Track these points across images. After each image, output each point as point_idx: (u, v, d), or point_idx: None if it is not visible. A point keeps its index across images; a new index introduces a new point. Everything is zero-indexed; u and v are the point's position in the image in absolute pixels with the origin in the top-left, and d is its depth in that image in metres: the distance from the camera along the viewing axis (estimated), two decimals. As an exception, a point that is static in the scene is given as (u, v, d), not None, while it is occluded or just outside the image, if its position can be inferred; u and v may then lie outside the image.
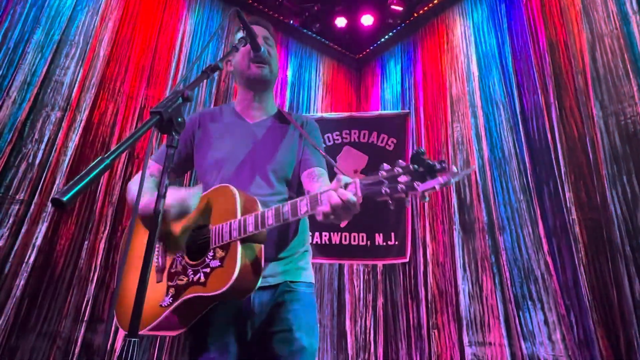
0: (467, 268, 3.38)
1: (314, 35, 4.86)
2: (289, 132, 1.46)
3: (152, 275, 1.25)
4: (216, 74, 3.98)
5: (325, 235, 3.94)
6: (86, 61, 3.26)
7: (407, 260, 3.50)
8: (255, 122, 1.47)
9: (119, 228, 3.12)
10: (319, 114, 4.55)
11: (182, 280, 1.17)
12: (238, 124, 1.46)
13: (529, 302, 2.92)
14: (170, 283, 1.20)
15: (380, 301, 3.97)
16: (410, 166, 0.88)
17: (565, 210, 2.84)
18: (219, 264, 1.12)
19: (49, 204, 2.85)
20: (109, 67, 3.38)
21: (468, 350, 3.17)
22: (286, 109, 4.41)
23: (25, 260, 2.72)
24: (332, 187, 0.99)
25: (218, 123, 1.48)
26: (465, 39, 4.03)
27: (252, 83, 1.46)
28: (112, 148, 0.63)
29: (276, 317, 1.25)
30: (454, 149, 3.80)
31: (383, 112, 4.52)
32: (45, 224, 2.82)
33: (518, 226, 3.12)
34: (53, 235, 2.86)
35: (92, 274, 2.93)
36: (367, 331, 3.94)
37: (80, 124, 3.13)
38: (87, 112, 3.18)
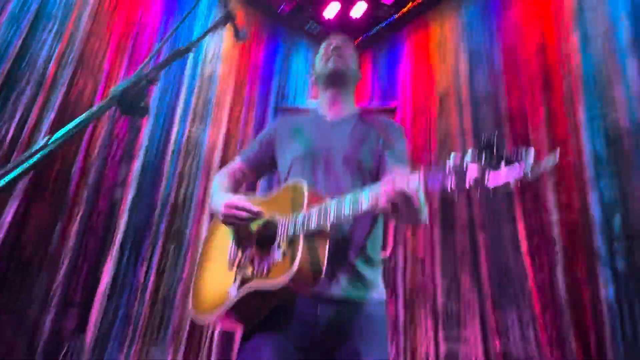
0: (446, 265, 3.40)
1: (304, 23, 4.76)
2: (369, 133, 1.41)
3: (224, 265, 1.30)
4: (201, 58, 3.87)
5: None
6: (65, 36, 3.12)
7: (388, 255, 3.49)
8: (334, 119, 1.47)
9: (94, 210, 3.03)
10: (306, 104, 4.48)
11: (248, 271, 1.21)
12: (316, 122, 1.48)
13: (505, 300, 2.94)
14: (238, 274, 1.24)
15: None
16: (482, 155, 0.78)
17: (546, 211, 2.85)
18: (282, 257, 1.13)
19: (19, 184, 2.73)
20: (89, 42, 3.24)
21: (443, 346, 3.19)
22: (272, 98, 4.33)
23: (-8, 239, 2.61)
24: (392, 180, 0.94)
25: (297, 123, 1.51)
26: (455, 35, 3.99)
27: (329, 78, 1.48)
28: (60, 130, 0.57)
29: (342, 340, 1.18)
30: (440, 144, 3.78)
31: (371, 105, 4.47)
32: (15, 204, 2.71)
33: (499, 225, 3.13)
34: (24, 216, 2.75)
35: (63, 257, 2.84)
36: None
37: (56, 101, 3.00)
38: (64, 90, 3.04)
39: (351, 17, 4.51)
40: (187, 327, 3.19)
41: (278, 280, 1.08)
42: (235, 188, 1.54)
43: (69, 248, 2.86)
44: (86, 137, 3.07)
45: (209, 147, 3.74)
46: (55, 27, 3.09)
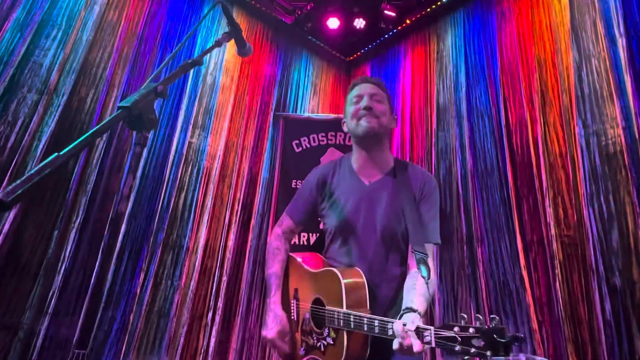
0: (444, 278, 3.39)
1: (305, 34, 4.82)
2: (405, 195, 1.44)
3: (291, 323, 1.55)
4: (203, 68, 3.91)
5: (304, 236, 3.91)
6: (68, 44, 3.15)
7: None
8: (371, 182, 1.51)
9: (92, 219, 3.02)
10: (306, 114, 4.51)
11: (309, 340, 1.44)
12: (356, 187, 1.51)
13: (503, 316, 2.94)
14: (302, 338, 1.48)
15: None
16: (485, 331, 0.89)
17: (544, 225, 2.87)
18: (332, 342, 1.33)
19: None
20: (91, 52, 3.27)
21: (440, 359, 3.17)
22: (273, 107, 4.36)
23: (-10, 247, 2.60)
24: (407, 328, 1.05)
25: (340, 184, 1.55)
26: (455, 49, 4.05)
27: (362, 139, 1.50)
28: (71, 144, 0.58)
29: None
30: (438, 157, 3.81)
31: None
32: (13, 211, 2.71)
33: (496, 239, 3.14)
34: (21, 223, 2.74)
35: (60, 265, 2.83)
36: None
37: (57, 108, 3.01)
38: (65, 97, 3.06)
39: (355, 27, 4.57)
40: (183, 338, 3.17)
41: None
42: (287, 258, 1.69)
43: (66, 256, 2.85)
44: (86, 144, 3.08)
45: (209, 156, 3.76)
46: (59, 35, 3.12)
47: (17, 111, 2.84)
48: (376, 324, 1.17)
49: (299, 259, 1.66)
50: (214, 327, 3.38)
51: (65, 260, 2.84)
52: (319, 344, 1.38)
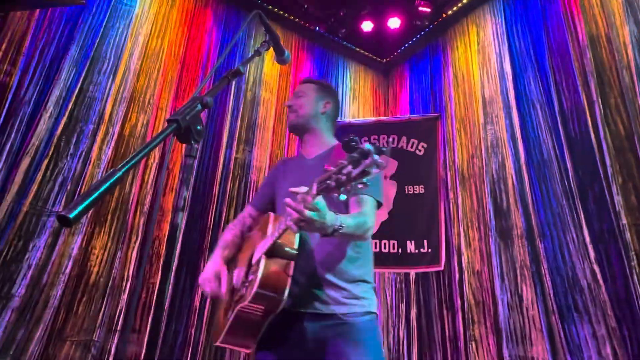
0: (506, 277, 3.21)
1: (340, 40, 4.82)
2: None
3: (229, 295, 1.45)
4: (243, 84, 4.01)
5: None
6: (117, 76, 3.34)
7: (442, 268, 3.37)
8: (312, 157, 1.64)
9: (150, 238, 3.16)
10: (347, 120, 4.49)
11: (236, 296, 1.37)
12: (299, 162, 1.69)
13: (575, 314, 2.73)
14: (234, 299, 1.39)
15: (413, 311, 3.83)
16: (350, 158, 0.88)
17: (613, 214, 2.64)
18: (252, 277, 1.27)
19: (85, 216, 2.91)
20: (139, 80, 3.45)
21: (509, 365, 2.99)
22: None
23: (62, 270, 2.78)
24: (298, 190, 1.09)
25: (287, 166, 1.72)
26: (497, 37, 3.88)
27: (291, 131, 1.76)
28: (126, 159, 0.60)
29: (329, 351, 1.29)
30: (488, 152, 3.64)
31: (412, 116, 4.41)
32: (80, 235, 2.89)
33: (560, 232, 2.93)
34: (87, 246, 2.92)
35: (124, 284, 2.97)
36: (400, 342, 3.81)
37: (112, 137, 3.20)
38: (118, 125, 3.25)
39: (389, 27, 4.51)
40: (244, 352, 3.21)
41: (248, 297, 1.22)
42: (241, 235, 1.70)
43: (130, 275, 2.99)
44: (140, 166, 3.24)
45: (255, 169, 3.84)
46: (109, 68, 3.32)
47: (78, 143, 3.04)
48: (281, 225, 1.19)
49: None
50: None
51: (129, 279, 2.98)
52: (243, 289, 1.33)
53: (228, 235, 1.65)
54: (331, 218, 1.10)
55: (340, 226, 1.12)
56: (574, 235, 2.84)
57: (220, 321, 1.48)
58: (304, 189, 1.06)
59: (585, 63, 3.04)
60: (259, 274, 1.21)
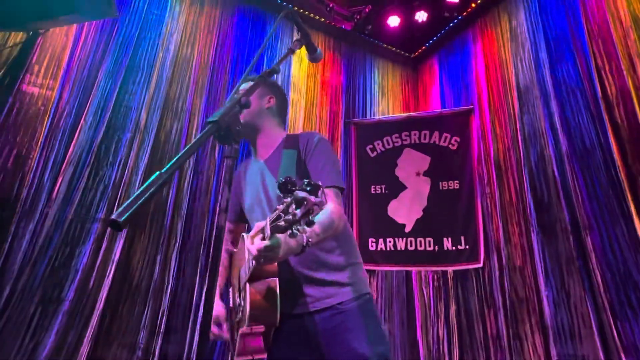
0: (550, 273, 3.08)
1: (367, 37, 4.77)
2: (290, 155, 1.51)
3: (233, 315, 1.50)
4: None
5: (390, 242, 3.81)
6: (151, 84, 3.44)
7: (481, 265, 3.27)
8: (265, 158, 1.59)
9: (188, 241, 3.23)
10: (377, 117, 4.44)
11: (238, 318, 1.41)
12: (255, 167, 1.62)
13: (629, 311, 2.58)
14: (235, 321, 1.44)
15: (452, 309, 3.74)
16: (291, 195, 0.89)
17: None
18: (243, 303, 1.32)
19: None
20: (171, 88, 3.54)
21: (557, 364, 2.87)
22: (342, 115, 4.36)
23: (106, 274, 2.89)
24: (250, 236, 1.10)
25: (245, 174, 1.67)
26: (530, 24, 3.73)
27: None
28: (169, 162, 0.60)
29: (334, 341, 1.32)
30: (526, 143, 3.50)
31: (444, 110, 4.31)
32: (122, 240, 2.98)
33: (609, 224, 2.78)
34: (129, 250, 3.01)
35: (165, 286, 3.05)
36: (441, 341, 3.73)
37: (148, 144, 3.29)
38: (154, 133, 3.34)
39: (417, 21, 4.43)
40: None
41: (243, 324, 1.27)
42: (229, 255, 1.73)
43: (170, 278, 3.06)
44: (176, 172, 3.32)
45: (286, 171, 3.85)
46: (142, 77, 3.42)
47: (117, 151, 3.15)
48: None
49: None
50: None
51: (170, 281, 3.05)
52: (240, 312, 1.35)
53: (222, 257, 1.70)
54: (294, 243, 1.11)
55: (309, 241, 1.13)
56: (624, 228, 2.68)
57: (231, 338, 1.55)
58: (259, 226, 1.08)
59: (629, 45, 2.87)
60: (247, 300, 1.26)
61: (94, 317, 2.75)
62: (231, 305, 1.52)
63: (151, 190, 0.52)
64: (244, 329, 1.28)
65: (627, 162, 2.77)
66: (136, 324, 2.88)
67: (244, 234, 1.43)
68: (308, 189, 0.85)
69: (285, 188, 0.87)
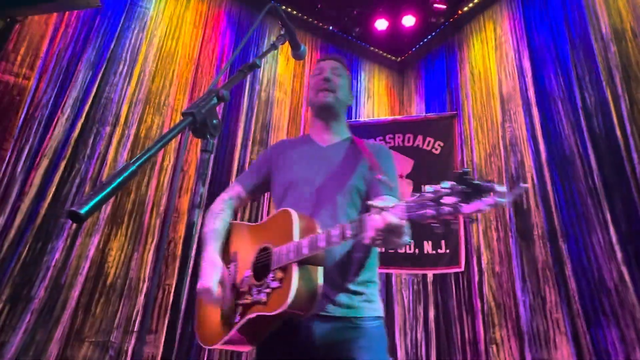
0: (527, 278, 3.12)
1: (354, 39, 4.77)
2: (360, 160, 1.46)
3: (227, 292, 1.33)
4: (257, 84, 3.99)
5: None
6: (133, 77, 3.36)
7: (462, 269, 3.29)
8: (328, 145, 1.53)
9: (167, 239, 3.16)
10: (362, 119, 4.44)
11: (247, 299, 1.25)
12: (311, 148, 1.54)
13: (602, 317, 2.63)
14: (238, 301, 1.28)
15: (431, 313, 3.75)
16: (456, 186, 0.81)
17: (642, 213, 2.54)
18: (279, 285, 1.17)
19: (102, 217, 2.93)
20: (154, 82, 3.46)
21: (532, 369, 2.90)
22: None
23: (80, 271, 2.80)
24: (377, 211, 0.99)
25: (294, 149, 1.56)
26: (515, 33, 3.79)
27: (319, 111, 1.56)
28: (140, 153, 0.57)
29: (338, 354, 1.24)
30: (507, 150, 3.55)
31: (428, 114, 4.33)
32: (97, 236, 2.90)
33: (585, 233, 2.83)
34: (105, 247, 2.93)
35: (141, 285, 2.97)
36: (419, 345, 3.74)
37: (128, 138, 3.21)
38: (134, 127, 3.26)
39: (404, 25, 4.45)
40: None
41: (277, 308, 1.13)
42: (230, 219, 1.56)
43: (146, 276, 2.99)
44: (156, 168, 3.25)
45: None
46: (125, 69, 3.33)
47: (94, 145, 3.06)
48: (334, 231, 1.08)
49: (243, 223, 1.56)
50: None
51: (146, 280, 2.98)
52: (259, 296, 1.21)
53: (218, 223, 1.48)
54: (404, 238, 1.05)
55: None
56: (600, 236, 2.74)
57: (211, 320, 1.36)
58: (387, 203, 0.98)
59: (609, 57, 2.94)
60: (294, 285, 1.12)
61: (64, 316, 2.66)
62: (234, 279, 1.34)
63: (117, 181, 0.49)
64: (268, 314, 1.15)
65: (603, 171, 2.83)
66: (109, 323, 2.80)
67: (290, 211, 1.27)
68: (485, 187, 0.76)
69: (463, 178, 0.79)
